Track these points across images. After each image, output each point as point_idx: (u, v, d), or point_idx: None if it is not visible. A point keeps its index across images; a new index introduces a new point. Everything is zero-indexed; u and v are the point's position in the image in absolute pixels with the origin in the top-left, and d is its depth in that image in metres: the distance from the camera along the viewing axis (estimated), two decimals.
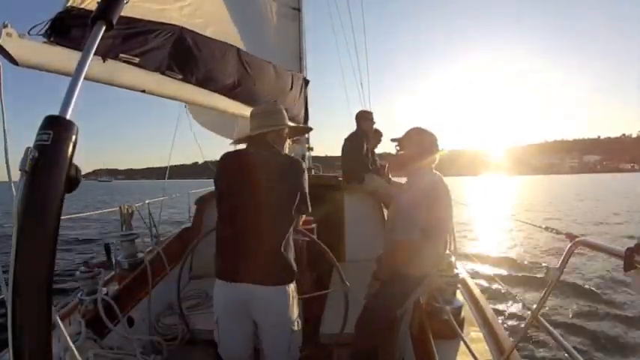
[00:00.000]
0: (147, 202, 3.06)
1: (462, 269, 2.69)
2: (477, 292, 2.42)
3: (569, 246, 1.13)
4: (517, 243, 10.32)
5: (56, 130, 0.63)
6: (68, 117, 0.66)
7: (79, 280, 2.06)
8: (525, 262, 8.08)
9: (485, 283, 5.99)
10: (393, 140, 2.03)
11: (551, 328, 1.18)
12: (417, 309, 1.95)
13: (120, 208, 2.68)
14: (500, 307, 5.23)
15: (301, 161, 1.66)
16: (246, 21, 3.00)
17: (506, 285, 6.32)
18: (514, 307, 5.22)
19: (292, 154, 2.52)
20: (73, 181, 0.65)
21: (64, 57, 1.48)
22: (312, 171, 4.88)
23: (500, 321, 2.05)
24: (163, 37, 1.96)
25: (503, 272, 7.48)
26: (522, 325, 1.40)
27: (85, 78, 0.72)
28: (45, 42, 1.49)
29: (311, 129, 2.80)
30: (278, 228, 1.54)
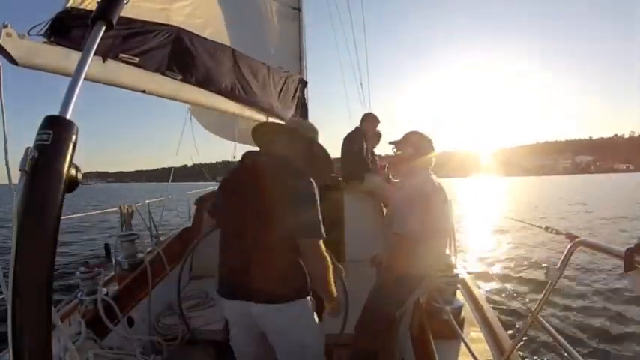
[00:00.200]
0: (147, 202, 3.06)
1: (461, 269, 2.70)
2: (476, 292, 2.42)
3: (569, 246, 1.13)
4: (517, 243, 10.32)
5: (56, 130, 0.63)
6: (68, 117, 0.66)
7: (79, 280, 2.06)
8: (525, 262, 8.08)
9: (485, 283, 5.99)
10: (391, 143, 2.07)
11: (551, 328, 1.18)
12: (417, 309, 1.95)
13: (120, 208, 2.68)
14: (500, 307, 5.23)
15: (306, 174, 1.47)
16: (245, 21, 3.00)
17: (506, 285, 6.32)
18: (514, 307, 5.22)
19: None
20: (73, 181, 0.65)
21: (64, 57, 1.48)
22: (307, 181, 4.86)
23: (500, 321, 2.05)
24: (163, 37, 1.96)
25: (503, 272, 7.48)
26: (522, 325, 1.40)
27: (85, 78, 0.72)
28: (45, 42, 1.49)
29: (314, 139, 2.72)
30: (275, 246, 1.39)
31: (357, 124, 4.03)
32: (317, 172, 1.56)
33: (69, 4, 1.53)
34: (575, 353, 1.06)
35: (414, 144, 1.98)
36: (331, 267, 1.48)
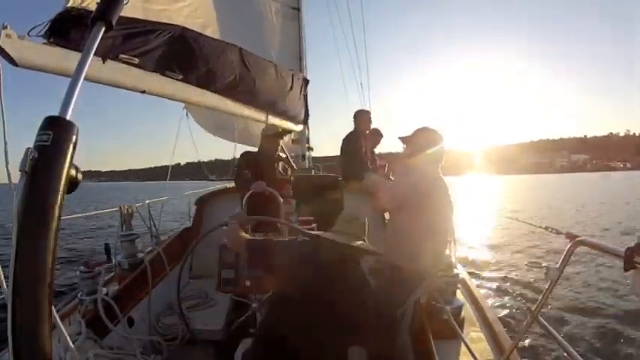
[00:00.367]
0: (147, 202, 3.06)
1: (461, 269, 2.70)
2: (476, 292, 2.42)
3: (569, 246, 1.13)
4: (517, 243, 10.31)
5: (56, 130, 0.63)
6: (68, 117, 0.66)
7: (79, 280, 2.06)
8: (525, 262, 8.08)
9: (485, 283, 5.98)
10: (400, 138, 2.03)
11: (551, 328, 1.18)
12: (417, 309, 1.95)
13: (120, 208, 2.68)
14: (500, 307, 5.23)
15: None
16: (245, 21, 3.00)
17: (506, 285, 6.31)
18: (514, 307, 5.22)
19: (292, 154, 2.52)
20: (73, 181, 0.65)
21: (64, 58, 1.48)
22: (312, 171, 4.88)
23: (500, 321, 2.05)
24: (163, 37, 1.96)
25: (503, 272, 7.48)
26: (522, 325, 1.40)
27: (85, 79, 0.72)
28: (45, 43, 1.49)
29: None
30: None
31: None
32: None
33: (69, 5, 1.52)
34: (575, 353, 1.06)
35: (416, 141, 1.94)
36: None
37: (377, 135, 4.46)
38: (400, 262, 1.80)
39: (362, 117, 3.92)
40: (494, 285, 5.93)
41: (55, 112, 0.66)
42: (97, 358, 1.62)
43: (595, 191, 34.68)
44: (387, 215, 3.60)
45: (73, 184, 0.65)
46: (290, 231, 2.15)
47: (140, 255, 2.64)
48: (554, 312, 5.18)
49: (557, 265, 1.14)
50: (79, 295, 2.07)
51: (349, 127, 3.99)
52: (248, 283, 1.99)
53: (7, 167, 0.73)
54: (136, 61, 1.80)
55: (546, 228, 1.77)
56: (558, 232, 1.61)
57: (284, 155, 3.37)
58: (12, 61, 1.34)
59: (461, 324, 1.87)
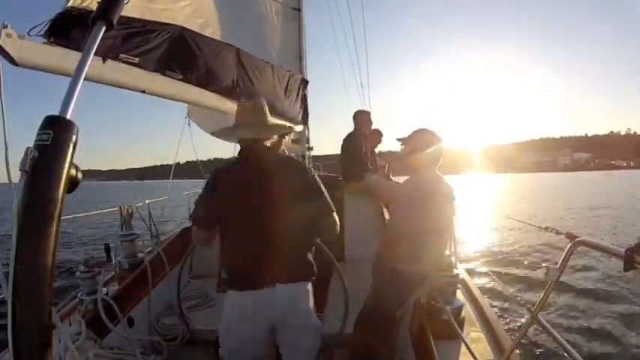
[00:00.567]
0: (147, 202, 3.06)
1: (462, 269, 2.69)
2: (477, 292, 2.42)
3: (569, 246, 1.13)
4: (517, 243, 10.32)
5: (56, 130, 0.63)
6: (68, 117, 0.66)
7: (79, 280, 2.06)
8: (525, 262, 8.08)
9: (485, 283, 5.99)
10: (398, 140, 2.05)
11: (551, 328, 1.18)
12: (417, 309, 1.95)
13: (120, 208, 2.68)
14: (500, 307, 5.23)
15: (303, 162, 1.69)
16: (246, 21, 3.00)
17: (506, 285, 6.31)
18: (514, 307, 5.22)
19: (292, 154, 2.52)
20: (73, 181, 0.65)
21: (64, 57, 1.48)
22: (312, 171, 4.87)
23: (500, 321, 2.05)
24: (163, 37, 1.96)
25: (503, 272, 7.48)
26: (522, 325, 1.40)
27: (85, 78, 0.72)
28: (45, 43, 1.49)
29: (292, 129, 2.63)
30: (296, 230, 1.53)
31: None
32: None
33: (69, 4, 1.52)
34: (575, 353, 1.06)
35: (414, 142, 1.96)
36: None
37: (377, 135, 4.47)
38: (401, 262, 1.80)
39: (362, 117, 3.92)
40: (494, 285, 5.93)
41: (56, 112, 0.66)
42: (97, 358, 1.62)
43: (609, 191, 33.73)
44: (387, 215, 3.61)
45: (73, 184, 0.65)
46: None
47: (140, 255, 2.65)
48: (554, 312, 5.19)
49: (557, 265, 1.14)
50: (79, 295, 2.07)
51: (349, 126, 3.99)
52: None
53: (7, 167, 0.73)
54: (136, 60, 1.80)
55: (546, 228, 1.77)
56: (558, 232, 1.61)
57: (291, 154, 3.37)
58: (12, 60, 1.34)
59: (461, 324, 1.87)
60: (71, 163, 0.64)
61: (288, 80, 3.28)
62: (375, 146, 4.56)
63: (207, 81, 2.29)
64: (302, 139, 4.60)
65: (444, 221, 1.88)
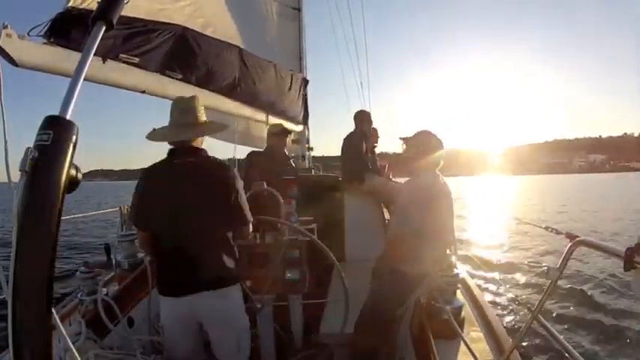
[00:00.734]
0: None
1: (462, 269, 2.69)
2: (477, 292, 2.41)
3: (569, 246, 1.13)
4: (517, 243, 10.31)
5: (56, 130, 0.63)
6: (68, 117, 0.66)
7: (79, 281, 2.06)
8: (525, 262, 8.08)
9: (485, 283, 5.98)
10: (401, 139, 2.06)
11: (551, 328, 1.18)
12: (417, 309, 1.95)
13: (120, 208, 2.68)
14: (500, 307, 5.23)
15: (231, 167, 1.66)
16: (246, 21, 3.00)
17: (506, 285, 6.32)
18: (514, 307, 5.21)
19: (292, 154, 2.52)
20: (73, 181, 0.65)
21: (64, 58, 1.48)
22: (312, 171, 4.88)
23: (500, 321, 2.05)
24: (165, 37, 1.96)
25: (503, 272, 7.48)
26: (522, 325, 1.40)
27: (85, 79, 0.72)
28: (45, 43, 1.49)
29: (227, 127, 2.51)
30: (212, 237, 1.57)
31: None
32: None
33: (69, 4, 1.52)
34: (576, 353, 1.06)
35: (418, 143, 1.98)
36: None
37: (375, 134, 4.46)
38: (402, 263, 1.80)
39: (362, 117, 3.92)
40: (494, 285, 5.93)
41: (56, 112, 0.66)
42: (97, 358, 1.62)
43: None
44: (387, 215, 3.61)
45: (73, 184, 0.65)
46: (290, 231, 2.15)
47: (140, 255, 2.64)
48: (554, 312, 5.18)
49: (557, 265, 1.14)
50: (79, 295, 2.07)
51: (349, 126, 3.99)
52: (248, 283, 2.00)
53: (7, 167, 0.73)
54: (136, 60, 1.80)
55: (546, 228, 1.77)
56: (558, 232, 1.61)
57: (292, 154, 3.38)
58: (12, 61, 1.34)
59: (461, 324, 1.87)
60: (71, 164, 0.64)
61: (291, 80, 3.29)
62: (375, 146, 4.56)
63: (207, 81, 2.29)
64: (302, 139, 4.60)
65: (444, 221, 1.88)
